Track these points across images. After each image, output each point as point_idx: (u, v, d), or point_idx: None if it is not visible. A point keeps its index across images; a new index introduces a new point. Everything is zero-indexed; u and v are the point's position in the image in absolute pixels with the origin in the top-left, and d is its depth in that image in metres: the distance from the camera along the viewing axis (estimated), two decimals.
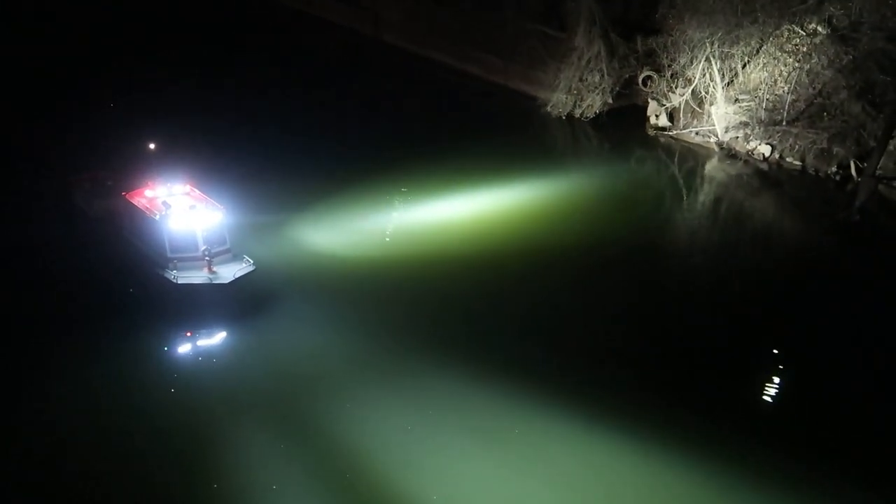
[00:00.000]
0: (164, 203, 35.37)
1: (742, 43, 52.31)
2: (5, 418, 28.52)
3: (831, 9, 50.08)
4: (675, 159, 53.50)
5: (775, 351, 33.73)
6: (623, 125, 56.20)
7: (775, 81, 51.37)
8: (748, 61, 52.05)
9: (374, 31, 71.43)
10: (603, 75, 56.39)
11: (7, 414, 28.72)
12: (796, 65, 50.31)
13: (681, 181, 51.38)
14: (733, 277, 39.39)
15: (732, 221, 46.85)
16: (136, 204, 36.15)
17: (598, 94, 56.59)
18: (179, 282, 34.08)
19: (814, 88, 50.07)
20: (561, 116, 56.98)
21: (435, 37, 66.37)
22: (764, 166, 50.74)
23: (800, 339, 34.88)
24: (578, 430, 28.52)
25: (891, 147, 44.62)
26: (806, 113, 50.00)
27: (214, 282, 34.14)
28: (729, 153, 51.84)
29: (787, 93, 50.30)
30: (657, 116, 55.57)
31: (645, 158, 54.15)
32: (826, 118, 49.07)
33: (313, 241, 40.49)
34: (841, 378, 32.52)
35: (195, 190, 36.78)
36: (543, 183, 47.84)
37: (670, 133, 55.09)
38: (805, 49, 50.53)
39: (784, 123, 50.36)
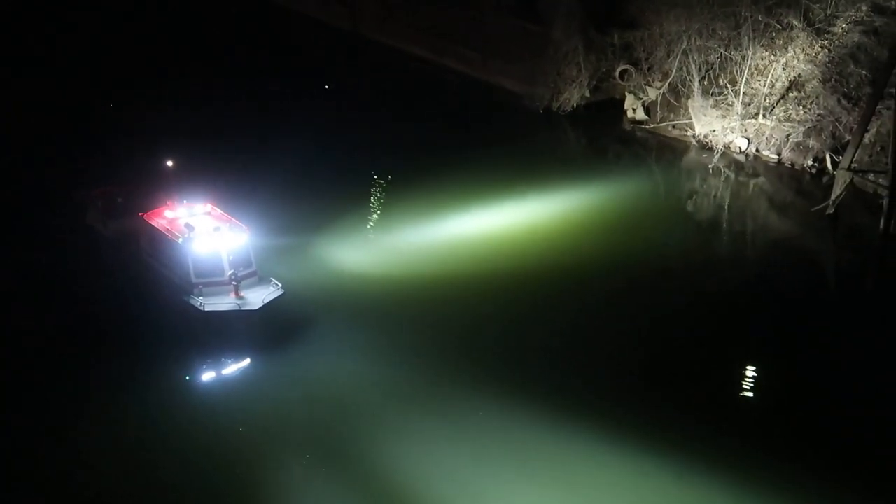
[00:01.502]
0: (188, 225, 33.61)
1: (718, 36, 52.33)
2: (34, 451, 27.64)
3: (808, 2, 50.19)
4: (653, 153, 53.55)
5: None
6: (600, 119, 56.19)
7: (752, 75, 51.40)
8: (725, 55, 52.03)
9: (352, 25, 71.04)
10: (580, 69, 56.31)
11: (35, 447, 27.78)
12: (772, 58, 50.34)
13: (658, 175, 51.46)
14: (708, 271, 39.44)
15: (707, 214, 46.87)
16: (155, 225, 34.44)
17: (575, 87, 56.49)
18: (206, 309, 32.17)
19: (790, 82, 50.14)
20: (539, 110, 56.85)
21: (413, 31, 66.06)
22: (741, 159, 50.79)
23: (777, 336, 35.03)
24: (618, 456, 27.61)
25: (866, 140, 44.64)
26: (782, 106, 50.05)
27: (243, 308, 32.30)
28: (706, 146, 51.85)
29: (764, 86, 50.33)
30: (634, 110, 55.53)
31: (622, 153, 54.23)
32: (802, 111, 49.12)
33: (330, 259, 39.42)
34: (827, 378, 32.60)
35: (216, 209, 35.31)
36: (518, 177, 47.57)
37: (647, 127, 55.07)
38: (781, 42, 50.59)
39: (760, 117, 50.42)
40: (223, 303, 32.40)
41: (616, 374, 31.91)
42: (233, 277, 32.77)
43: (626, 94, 56.11)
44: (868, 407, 30.38)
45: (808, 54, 49.68)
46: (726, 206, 47.21)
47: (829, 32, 49.46)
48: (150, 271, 34.96)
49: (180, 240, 32.98)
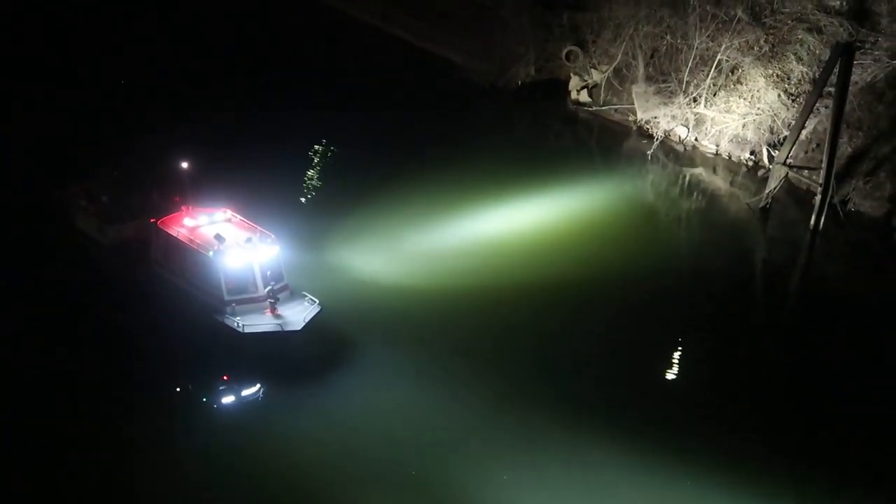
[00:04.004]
0: (218, 236, 30.34)
1: (666, 24, 52.48)
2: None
3: None
4: (594, 136, 53.74)
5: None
6: (544, 98, 56.09)
7: (696, 64, 51.65)
8: (671, 42, 52.21)
9: None
10: (527, 47, 56.05)
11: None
12: (717, 49, 50.64)
13: (597, 159, 51.68)
14: (635, 259, 39.31)
15: (642, 202, 46.90)
16: (175, 235, 30.92)
17: (521, 65, 56.33)
18: (246, 330, 29.03)
19: (732, 73, 50.51)
20: (483, 86, 56.47)
21: None
22: (680, 148, 51.15)
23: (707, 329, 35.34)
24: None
25: (803, 137, 45.27)
26: (723, 98, 50.42)
27: (285, 328, 29.32)
28: (646, 133, 52.07)
29: (707, 76, 50.65)
30: (578, 91, 55.50)
31: (563, 133, 54.29)
32: (743, 104, 49.56)
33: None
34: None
35: (236, 216, 32.34)
36: (455, 152, 47.16)
37: (590, 109, 55.11)
38: (726, 34, 50.85)
39: (702, 106, 50.75)
40: (262, 323, 29.38)
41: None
42: (271, 295, 30.13)
43: (571, 75, 56.01)
44: (794, 397, 31.05)
45: (751, 48, 50.05)
46: (661, 195, 47.48)
47: (773, 28, 49.84)
48: (166, 286, 31.30)
49: (210, 253, 29.79)
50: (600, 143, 53.10)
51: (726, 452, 27.74)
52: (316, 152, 46.55)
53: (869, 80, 45.65)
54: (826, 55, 44.65)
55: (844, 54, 39.85)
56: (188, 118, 46.07)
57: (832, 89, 41.63)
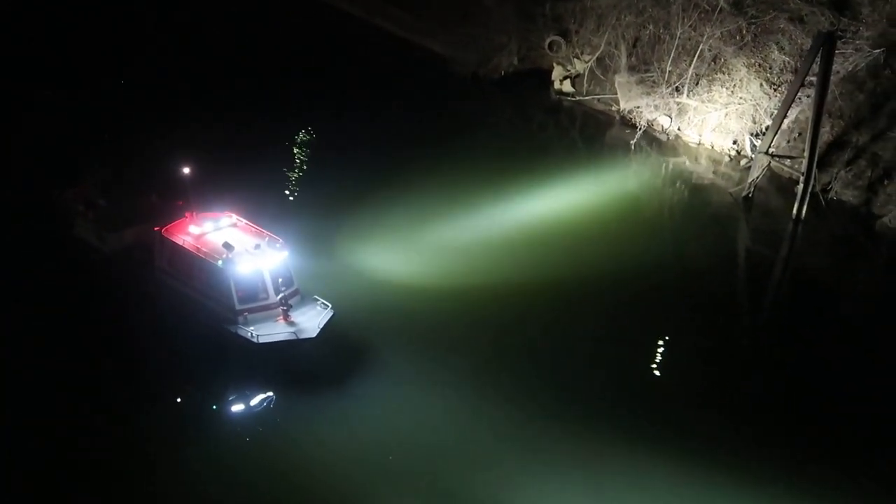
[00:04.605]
0: (226, 244, 29.47)
1: (647, 14, 52.53)
2: None
3: None
4: (577, 126, 53.75)
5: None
6: (527, 87, 56.02)
7: (679, 54, 51.73)
8: (653, 32, 52.25)
9: None
10: (510, 37, 55.99)
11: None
12: (699, 39, 50.70)
13: (580, 149, 51.71)
14: (618, 251, 39.35)
15: (624, 192, 46.58)
16: (181, 244, 30.01)
17: (504, 55, 56.25)
18: (261, 341, 28.30)
19: (714, 63, 50.61)
20: (466, 76, 56.36)
21: None
22: (662, 137, 51.22)
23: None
24: None
25: (785, 126, 45.47)
26: (706, 88, 50.52)
27: (301, 336, 28.60)
28: (629, 122, 52.10)
29: (689, 66, 50.72)
30: (561, 81, 55.49)
31: (547, 123, 54.30)
32: (725, 94, 49.68)
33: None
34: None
35: (241, 220, 31.57)
36: (436, 146, 46.82)
37: (573, 99, 55.11)
38: (709, 24, 50.94)
39: (684, 96, 50.85)
40: (277, 332, 28.62)
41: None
42: (283, 302, 29.45)
43: (554, 64, 55.98)
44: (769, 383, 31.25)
45: (734, 37, 50.14)
46: (645, 185, 47.58)
47: (755, 17, 49.94)
48: (172, 295, 30.46)
49: (220, 262, 29.08)
50: (583, 132, 53.18)
51: (708, 439, 28.06)
52: (294, 147, 46.25)
53: (850, 69, 45.91)
54: (808, 44, 44.82)
55: (826, 43, 40.02)
56: (178, 117, 45.54)
57: (814, 79, 41.77)
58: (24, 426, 26.61)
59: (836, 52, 41.68)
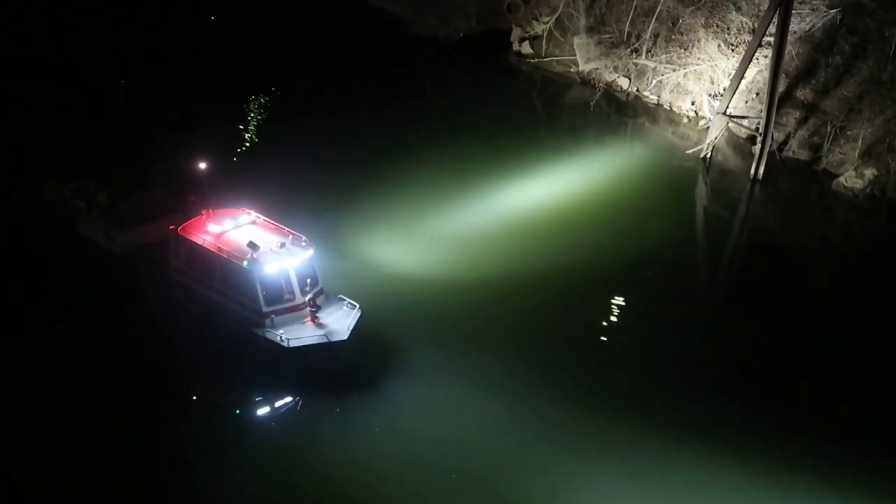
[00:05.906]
0: (251, 244, 27.95)
1: None
2: None
3: None
4: (536, 87, 53.72)
5: None
6: (487, 49, 55.73)
7: (637, 15, 51.78)
8: None
9: None
10: None
11: None
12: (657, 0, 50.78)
13: (539, 110, 51.70)
14: (575, 214, 39.31)
15: (581, 153, 46.31)
16: (201, 243, 28.49)
17: (463, 17, 55.99)
18: (292, 345, 26.97)
19: (673, 25, 50.75)
20: (425, 38, 55.98)
21: None
22: (622, 98, 51.35)
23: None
24: None
25: (742, 87, 45.74)
26: (664, 48, 50.67)
27: (332, 339, 27.28)
28: (589, 84, 52.13)
29: (647, 27, 50.78)
30: (520, 43, 55.35)
31: (507, 85, 54.17)
32: (684, 54, 49.87)
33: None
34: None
35: (260, 217, 30.01)
36: (393, 111, 46.64)
37: (532, 61, 54.99)
38: None
39: (643, 57, 50.97)
40: (308, 335, 27.30)
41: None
42: (311, 302, 28.22)
43: (513, 26, 55.81)
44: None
45: None
46: (603, 145, 47.62)
47: None
48: (191, 297, 29.04)
49: (245, 263, 27.64)
50: (542, 94, 53.14)
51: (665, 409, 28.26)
52: (255, 121, 45.74)
53: (807, 29, 46.20)
54: (765, 5, 44.95)
55: (783, 4, 40.17)
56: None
57: (771, 39, 42.00)
58: (49, 435, 25.54)
59: (794, 11, 41.89)
